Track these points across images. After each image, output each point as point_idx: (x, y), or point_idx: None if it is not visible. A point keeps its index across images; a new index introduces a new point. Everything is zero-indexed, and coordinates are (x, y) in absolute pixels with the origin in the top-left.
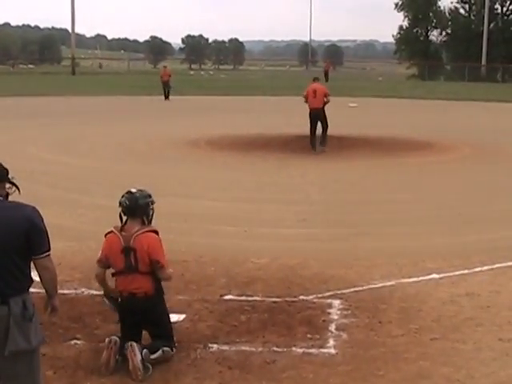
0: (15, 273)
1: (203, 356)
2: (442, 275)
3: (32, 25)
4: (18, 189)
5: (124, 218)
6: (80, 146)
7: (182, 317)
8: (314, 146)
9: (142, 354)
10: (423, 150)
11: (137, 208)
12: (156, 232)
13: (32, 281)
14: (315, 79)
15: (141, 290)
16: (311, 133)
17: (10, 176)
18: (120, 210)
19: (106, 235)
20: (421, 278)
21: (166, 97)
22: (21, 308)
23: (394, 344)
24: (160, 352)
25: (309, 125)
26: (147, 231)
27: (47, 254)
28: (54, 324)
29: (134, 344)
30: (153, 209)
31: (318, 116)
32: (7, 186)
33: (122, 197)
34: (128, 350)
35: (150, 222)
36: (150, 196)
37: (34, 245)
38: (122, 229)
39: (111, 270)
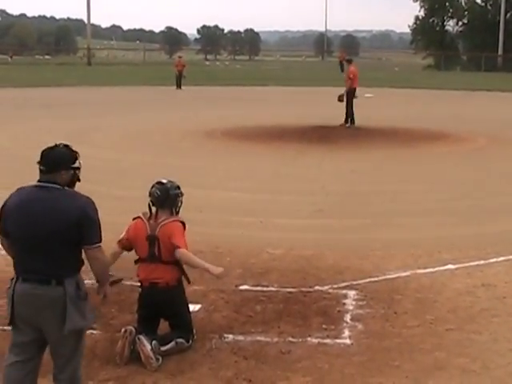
0: (68, 257)
1: (218, 346)
2: (457, 266)
3: (48, 16)
4: (79, 179)
5: (153, 209)
6: (95, 136)
7: (197, 307)
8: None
9: (151, 344)
10: (439, 141)
11: (167, 199)
12: (182, 223)
13: (83, 263)
14: (351, 61)
15: (162, 280)
16: (353, 111)
17: (73, 165)
18: (149, 199)
19: (133, 219)
20: (436, 269)
21: (179, 86)
22: (74, 288)
23: (410, 335)
24: (173, 343)
25: (348, 104)
26: (173, 221)
27: (97, 245)
28: None
29: (141, 337)
30: (181, 200)
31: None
32: (71, 172)
33: (153, 187)
34: (137, 343)
35: (177, 212)
36: (179, 187)
37: (85, 235)
38: (150, 217)
39: (126, 254)
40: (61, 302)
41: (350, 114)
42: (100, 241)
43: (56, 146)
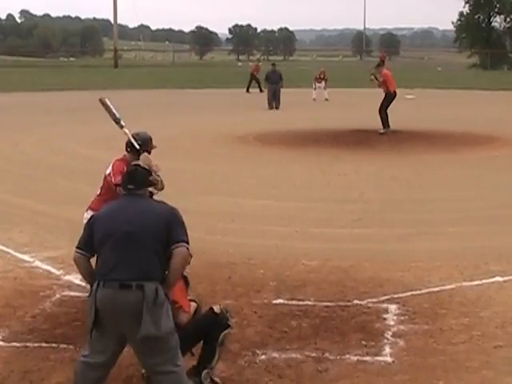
0: (154, 260)
1: (251, 364)
2: (506, 278)
3: (73, 16)
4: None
5: None
6: (122, 142)
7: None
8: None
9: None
10: (485, 145)
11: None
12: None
13: (165, 274)
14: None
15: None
16: (386, 114)
17: (151, 178)
18: None
19: None
20: (483, 281)
21: (261, 90)
22: (153, 294)
23: (455, 352)
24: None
25: (384, 107)
26: None
27: (185, 243)
28: None
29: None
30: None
31: None
32: (150, 188)
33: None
34: None
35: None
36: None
37: (174, 234)
38: None
39: None
40: (138, 306)
41: (383, 119)
42: (188, 242)
43: (135, 166)
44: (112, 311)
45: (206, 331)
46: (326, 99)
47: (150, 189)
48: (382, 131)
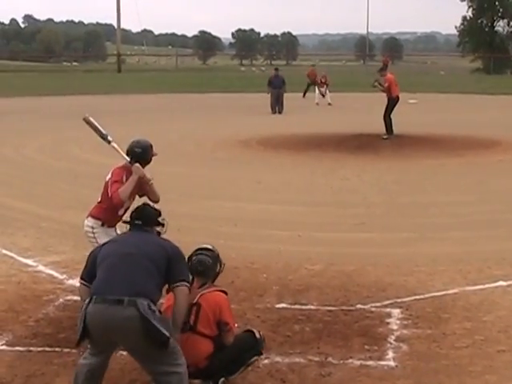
0: (147, 279)
1: (254, 368)
2: (509, 282)
3: (76, 20)
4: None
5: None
6: (126, 146)
7: None
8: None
9: None
10: (488, 149)
11: (207, 269)
12: (225, 292)
13: (160, 297)
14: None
15: (191, 361)
16: (390, 120)
17: (160, 218)
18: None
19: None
20: (486, 286)
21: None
22: (147, 308)
23: (458, 356)
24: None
25: (388, 112)
26: (218, 290)
27: (186, 283)
28: None
29: None
30: (220, 269)
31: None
32: (157, 228)
33: (193, 256)
34: None
35: (214, 279)
36: (218, 255)
37: (175, 271)
38: None
39: None
40: (137, 321)
41: (387, 124)
42: (189, 281)
43: (145, 205)
44: (103, 327)
45: (241, 352)
46: (329, 103)
47: (158, 228)
48: (385, 137)
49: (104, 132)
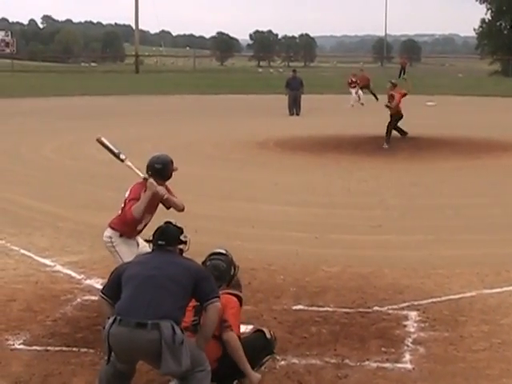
0: (170, 301)
1: (271, 370)
2: None
3: (94, 21)
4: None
5: None
6: (144, 147)
7: (248, 327)
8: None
9: None
10: (506, 152)
11: (222, 274)
12: (239, 298)
13: (183, 317)
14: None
15: None
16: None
17: (182, 236)
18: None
19: None
20: (504, 289)
21: (376, 98)
22: (171, 332)
23: (475, 359)
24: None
25: (393, 125)
26: (230, 293)
27: (217, 299)
28: None
29: None
30: (235, 272)
31: None
32: (180, 246)
33: (207, 261)
34: None
35: (229, 282)
36: (232, 259)
37: (205, 290)
38: None
39: None
40: (157, 345)
41: (388, 133)
42: (218, 296)
43: (167, 223)
44: (127, 349)
45: (253, 353)
46: (362, 104)
47: (181, 246)
48: (385, 146)
49: (117, 151)
